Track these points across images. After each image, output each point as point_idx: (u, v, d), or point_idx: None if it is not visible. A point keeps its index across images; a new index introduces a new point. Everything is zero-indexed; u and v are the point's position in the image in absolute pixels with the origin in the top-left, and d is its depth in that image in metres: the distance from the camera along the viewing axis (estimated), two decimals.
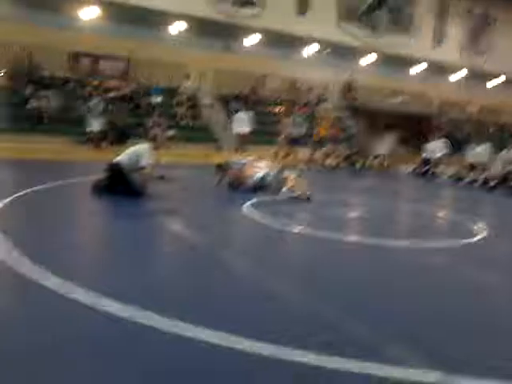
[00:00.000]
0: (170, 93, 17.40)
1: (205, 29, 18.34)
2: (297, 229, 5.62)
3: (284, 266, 4.29)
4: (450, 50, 23.99)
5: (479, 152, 13.28)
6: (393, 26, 23.11)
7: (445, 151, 14.18)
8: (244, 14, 19.57)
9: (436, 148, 14.25)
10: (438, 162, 14.17)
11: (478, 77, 24.67)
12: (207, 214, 6.49)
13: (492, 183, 12.00)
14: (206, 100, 18.01)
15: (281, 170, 8.17)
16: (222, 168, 8.20)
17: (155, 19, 17.51)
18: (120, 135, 13.50)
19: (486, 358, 2.65)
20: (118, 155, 6.74)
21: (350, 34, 22.10)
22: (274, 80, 20.33)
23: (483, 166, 12.74)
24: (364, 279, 3.97)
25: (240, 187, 7.85)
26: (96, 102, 14.11)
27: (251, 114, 15.26)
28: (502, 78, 25.81)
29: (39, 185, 7.10)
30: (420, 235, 5.91)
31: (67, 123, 14.08)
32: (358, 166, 14.48)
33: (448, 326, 3.09)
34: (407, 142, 16.34)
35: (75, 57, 17.17)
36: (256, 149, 14.78)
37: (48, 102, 14.29)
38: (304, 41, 20.68)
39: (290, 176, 7.90)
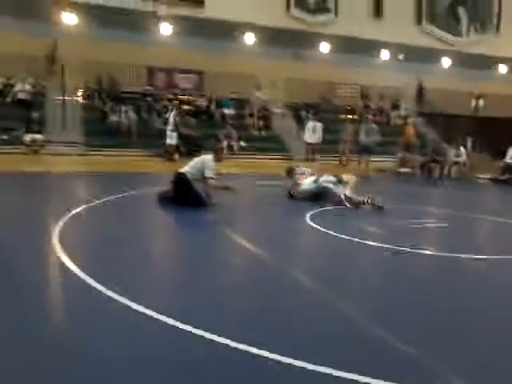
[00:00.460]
0: (242, 104, 17.63)
1: (276, 38, 18.43)
2: (369, 240, 5.32)
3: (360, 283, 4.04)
4: None
5: None
6: (475, 23, 21.98)
7: None
8: (317, 21, 19.47)
9: None
10: None
11: None
12: (272, 224, 6.39)
13: None
14: (276, 110, 18.05)
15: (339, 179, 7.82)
16: (289, 173, 8.16)
17: (227, 31, 17.87)
18: (193, 147, 13.81)
19: None
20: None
21: (429, 35, 21.30)
22: (346, 88, 19.99)
23: None
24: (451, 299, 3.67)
25: (299, 196, 7.72)
26: (172, 115, 14.51)
27: (320, 123, 15.03)
28: None
29: (113, 195, 7.40)
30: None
31: (145, 137, 14.67)
32: (435, 174, 13.77)
33: None
34: (488, 149, 15.34)
35: (151, 71, 17.91)
36: (327, 158, 14.63)
37: (127, 116, 14.98)
38: (378, 46, 20.19)
39: (352, 178, 7.64)
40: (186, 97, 17.64)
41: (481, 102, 20.32)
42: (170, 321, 2.84)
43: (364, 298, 3.56)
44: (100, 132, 14.36)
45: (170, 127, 14.11)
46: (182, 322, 2.82)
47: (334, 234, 5.56)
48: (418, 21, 21.29)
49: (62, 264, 3.85)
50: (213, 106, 17.26)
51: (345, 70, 19.19)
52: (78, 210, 6.18)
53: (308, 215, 6.53)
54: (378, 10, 20.29)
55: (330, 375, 2.32)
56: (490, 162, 14.30)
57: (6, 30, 14.79)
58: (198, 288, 3.56)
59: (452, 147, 13.86)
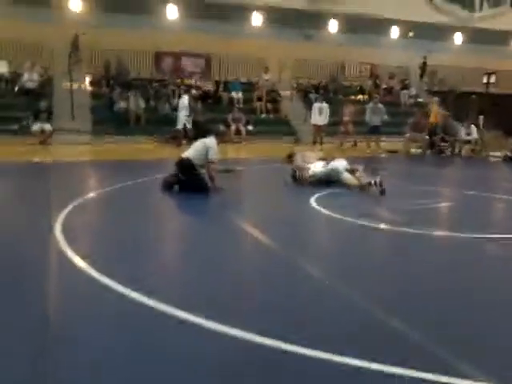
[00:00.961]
0: (250, 87, 17.48)
1: (284, 19, 18.18)
2: (375, 223, 5.24)
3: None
4: None
5: None
6: None
7: None
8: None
9: None
10: None
11: None
12: (277, 208, 6.35)
13: None
14: (285, 92, 17.88)
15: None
16: (289, 159, 8.04)
17: (234, 13, 17.67)
18: (201, 132, 13.72)
19: None
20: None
21: (441, 11, 20.83)
22: (354, 67, 19.71)
23: None
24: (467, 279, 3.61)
25: (303, 180, 7.59)
26: (183, 100, 14.41)
27: (327, 104, 14.81)
28: None
29: (120, 183, 7.39)
30: None
31: (153, 123, 14.65)
32: (447, 152, 13.54)
33: None
34: (501, 126, 15.04)
35: (158, 56, 17.82)
36: (334, 140, 14.45)
37: (135, 102, 14.92)
38: (387, 23, 19.82)
39: (358, 168, 7.49)
40: (193, 81, 17.53)
41: (492, 78, 19.89)
42: (180, 313, 2.79)
43: (369, 281, 3.55)
44: (108, 119, 14.39)
45: (184, 112, 13.98)
46: (189, 312, 2.78)
47: (340, 216, 5.50)
48: None
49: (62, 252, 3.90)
50: (220, 90, 17.15)
51: (354, 50, 18.91)
52: (78, 201, 6.22)
53: (313, 198, 6.48)
54: None
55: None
56: (503, 140, 14.01)
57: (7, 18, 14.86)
58: (205, 279, 3.52)
59: (463, 126, 13.60)
